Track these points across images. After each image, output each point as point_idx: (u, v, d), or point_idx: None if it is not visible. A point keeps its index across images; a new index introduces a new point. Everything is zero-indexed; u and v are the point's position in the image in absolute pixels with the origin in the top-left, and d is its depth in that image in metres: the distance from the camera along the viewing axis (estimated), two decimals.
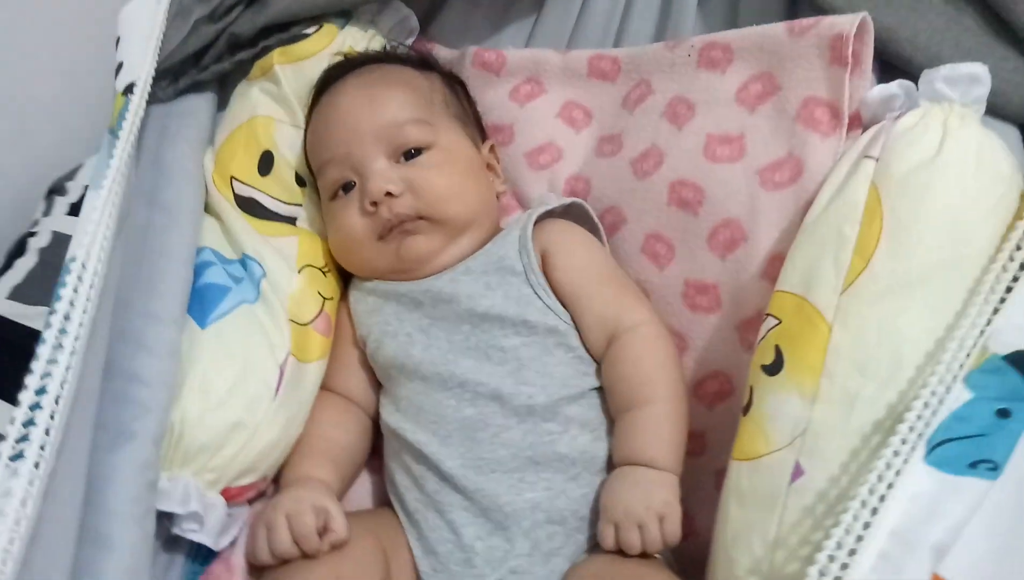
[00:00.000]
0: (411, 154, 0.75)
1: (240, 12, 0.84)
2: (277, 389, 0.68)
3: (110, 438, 0.56)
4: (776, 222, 0.70)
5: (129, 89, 0.69)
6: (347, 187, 0.76)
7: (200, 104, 0.85)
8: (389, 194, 0.73)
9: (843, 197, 0.62)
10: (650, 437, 0.66)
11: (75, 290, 0.52)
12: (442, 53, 0.95)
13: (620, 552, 0.63)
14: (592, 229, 0.80)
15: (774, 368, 0.61)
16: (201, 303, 0.68)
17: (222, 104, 0.90)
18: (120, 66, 0.73)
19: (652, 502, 0.62)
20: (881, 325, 0.57)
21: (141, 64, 0.70)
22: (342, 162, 0.75)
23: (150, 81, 0.68)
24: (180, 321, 0.65)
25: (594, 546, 0.66)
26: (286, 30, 0.86)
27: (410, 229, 0.74)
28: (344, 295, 0.81)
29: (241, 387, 0.65)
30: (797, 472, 0.55)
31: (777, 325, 0.63)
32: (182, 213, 0.72)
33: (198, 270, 0.71)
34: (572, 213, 0.80)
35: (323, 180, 0.78)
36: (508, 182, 0.87)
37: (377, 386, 0.78)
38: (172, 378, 0.61)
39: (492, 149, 0.85)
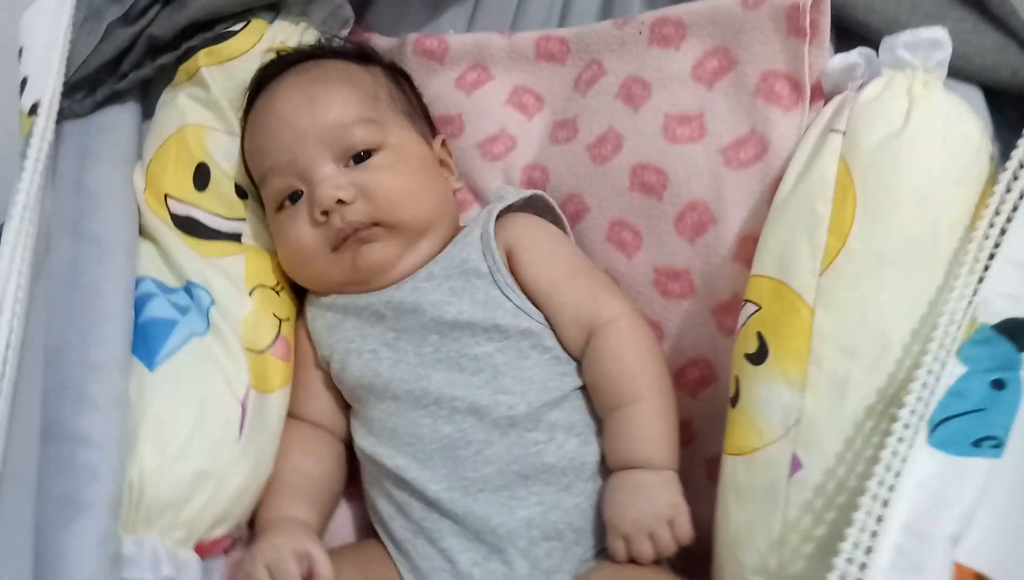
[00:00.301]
0: (360, 157, 0.70)
1: (158, 11, 0.78)
2: (241, 428, 0.63)
3: (59, 512, 0.50)
4: (743, 202, 0.68)
5: (35, 109, 0.63)
6: (294, 197, 0.71)
7: (122, 117, 0.79)
8: (340, 202, 0.68)
9: (812, 174, 0.61)
10: (643, 436, 0.64)
11: None
12: (380, 43, 0.90)
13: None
14: (555, 221, 0.77)
15: (758, 357, 0.60)
16: (146, 342, 0.62)
17: (146, 115, 0.84)
18: (24, 82, 0.66)
19: (658, 507, 0.60)
20: (864, 305, 0.56)
21: (46, 77, 0.63)
22: (286, 170, 0.70)
23: (58, 96, 0.62)
24: (125, 366, 0.59)
25: (595, 555, 0.64)
26: (210, 28, 0.80)
27: (365, 237, 0.69)
28: (300, 313, 0.76)
29: (201, 431, 0.60)
30: (796, 465, 0.54)
31: (756, 311, 0.61)
32: (114, 242, 0.66)
33: (139, 304, 0.65)
34: (533, 205, 0.77)
35: (267, 190, 0.72)
36: (462, 177, 0.84)
37: (346, 408, 0.74)
38: (123, 433, 0.56)
39: (444, 144, 0.81)
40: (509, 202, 0.73)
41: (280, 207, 0.72)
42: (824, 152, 0.60)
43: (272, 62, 0.78)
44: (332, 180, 0.69)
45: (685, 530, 0.61)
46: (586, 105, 0.80)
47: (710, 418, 0.72)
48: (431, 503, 0.64)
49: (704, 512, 0.71)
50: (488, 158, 0.85)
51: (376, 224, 0.69)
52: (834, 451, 0.52)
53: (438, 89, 0.87)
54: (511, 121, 0.85)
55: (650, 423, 0.64)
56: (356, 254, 0.69)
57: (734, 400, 0.61)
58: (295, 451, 0.69)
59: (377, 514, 0.69)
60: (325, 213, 0.68)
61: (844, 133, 0.60)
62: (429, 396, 0.66)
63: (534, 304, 0.69)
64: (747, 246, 0.68)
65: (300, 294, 0.78)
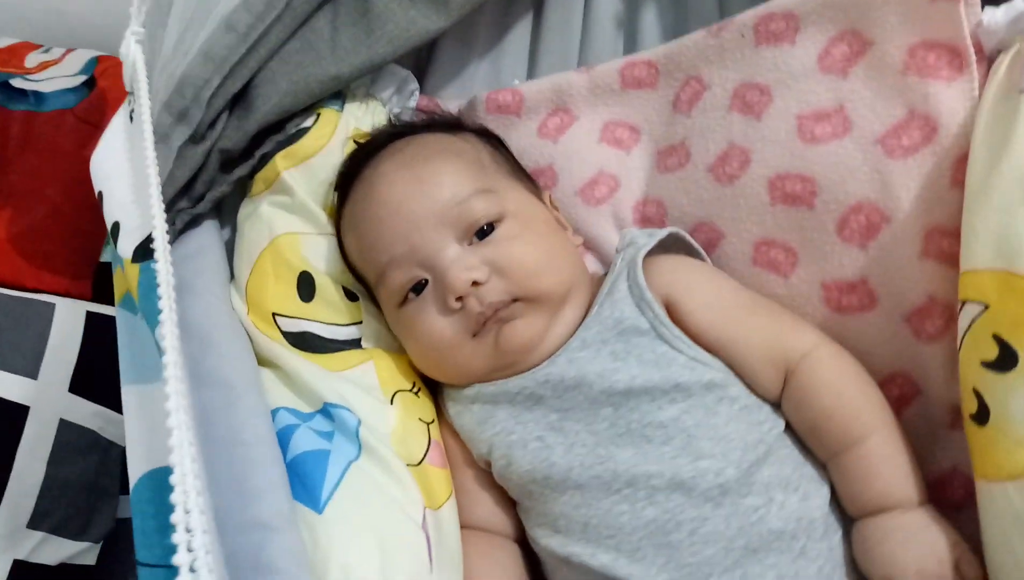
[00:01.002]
0: (483, 232, 0.64)
1: (225, 123, 0.73)
2: (430, 557, 0.55)
3: None
4: (920, 192, 0.61)
5: (141, 254, 0.56)
6: (417, 288, 0.64)
7: (205, 241, 0.73)
8: (475, 284, 0.61)
9: (1012, 146, 0.53)
10: (891, 474, 0.57)
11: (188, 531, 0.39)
12: (448, 108, 0.85)
13: None
14: (693, 256, 0.70)
15: (1005, 362, 0.51)
16: (304, 481, 0.55)
17: (225, 233, 0.78)
18: (116, 228, 0.60)
19: (939, 550, 0.53)
20: None
21: (145, 217, 0.57)
22: (406, 261, 0.64)
23: (165, 237, 0.55)
24: (293, 516, 0.52)
25: None
26: (280, 130, 0.75)
27: (505, 316, 0.62)
28: (439, 412, 0.69)
29: (392, 569, 0.53)
30: None
31: (984, 311, 0.53)
32: (240, 379, 0.59)
33: (281, 440, 0.58)
34: (664, 246, 0.70)
35: (385, 288, 0.66)
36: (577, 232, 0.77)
37: (511, 504, 0.66)
38: None
39: (551, 200, 0.74)
40: (650, 246, 0.66)
41: (403, 301, 0.65)
42: (1019, 118, 0.53)
43: (359, 149, 0.72)
44: (461, 262, 0.62)
45: (974, 570, 0.53)
46: (694, 125, 0.74)
47: (920, 438, 0.64)
48: None
49: None
50: (592, 204, 0.78)
51: (516, 300, 0.62)
52: None
53: (521, 143, 0.81)
54: (608, 159, 0.79)
55: (893, 457, 0.57)
56: (499, 336, 0.62)
57: (980, 417, 0.53)
58: (478, 569, 0.61)
59: None
60: (459, 298, 0.62)
61: None
62: (620, 478, 0.58)
63: (709, 352, 0.61)
64: (936, 240, 0.60)
65: (432, 389, 0.71)
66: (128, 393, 0.56)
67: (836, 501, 0.60)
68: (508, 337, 0.62)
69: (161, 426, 0.52)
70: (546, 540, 0.61)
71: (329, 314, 0.68)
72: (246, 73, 0.72)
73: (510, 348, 0.62)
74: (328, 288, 0.69)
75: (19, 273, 0.89)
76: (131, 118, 0.67)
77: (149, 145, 0.57)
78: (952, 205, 0.59)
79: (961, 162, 0.59)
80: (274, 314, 0.67)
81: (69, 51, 1.14)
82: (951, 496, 0.63)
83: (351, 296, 0.70)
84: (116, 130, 0.67)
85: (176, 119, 0.70)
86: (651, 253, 0.67)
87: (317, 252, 0.71)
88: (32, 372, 0.81)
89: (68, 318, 0.86)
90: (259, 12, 0.70)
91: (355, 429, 0.59)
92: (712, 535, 0.55)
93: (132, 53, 0.67)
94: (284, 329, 0.67)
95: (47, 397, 0.81)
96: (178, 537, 0.38)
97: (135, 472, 0.51)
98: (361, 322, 0.69)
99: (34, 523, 0.79)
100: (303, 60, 0.74)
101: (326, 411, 0.61)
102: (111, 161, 0.65)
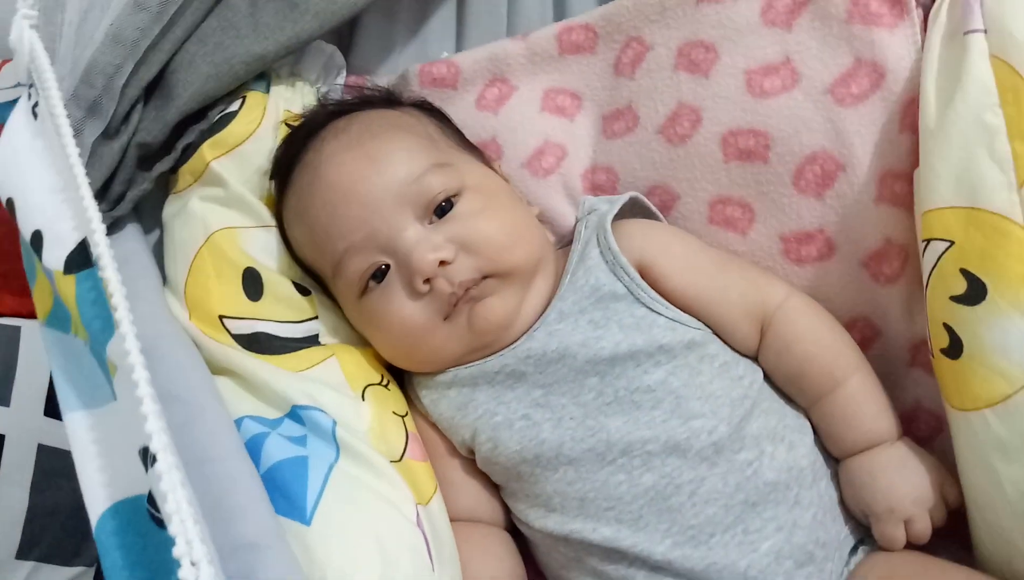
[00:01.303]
0: (442, 208, 0.61)
1: (141, 114, 0.66)
2: (430, 554, 0.52)
3: None
4: (872, 138, 0.62)
5: (75, 265, 0.50)
6: (377, 275, 0.61)
7: (131, 246, 0.67)
8: (442, 263, 0.58)
9: (964, 86, 0.55)
10: (874, 411, 0.59)
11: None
12: (377, 84, 0.80)
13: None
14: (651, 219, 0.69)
15: (973, 296, 0.53)
16: (285, 493, 0.51)
17: (148, 233, 0.72)
18: (38, 237, 0.53)
19: (931, 478, 0.56)
20: None
21: (81, 219, 0.51)
22: (364, 247, 0.60)
23: (104, 236, 0.49)
24: (281, 532, 0.48)
25: (845, 564, 0.57)
26: (203, 118, 0.69)
27: (476, 295, 0.60)
28: (410, 403, 0.65)
29: (395, 573, 0.49)
30: None
31: (949, 247, 0.55)
32: (195, 392, 0.54)
33: (252, 451, 0.53)
34: (623, 212, 0.69)
35: (343, 278, 0.62)
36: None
37: (494, 490, 0.64)
38: None
39: (501, 171, 0.72)
40: (614, 212, 0.65)
41: (364, 290, 0.61)
42: (969, 58, 0.55)
43: (294, 133, 0.67)
44: (426, 242, 0.59)
45: (954, 492, 0.57)
46: (639, 87, 0.73)
47: (882, 378, 0.66)
48: (659, 567, 0.55)
49: None
50: (540, 175, 0.76)
51: (486, 277, 0.60)
52: None
53: (459, 116, 0.78)
54: (553, 128, 0.77)
55: (873, 395, 0.60)
56: (472, 316, 0.60)
57: (952, 351, 0.55)
58: (471, 560, 0.59)
59: None
60: (427, 281, 0.58)
61: (986, 31, 0.54)
62: (614, 448, 0.57)
63: (685, 312, 0.61)
64: (889, 184, 0.62)
65: (400, 379, 0.67)
66: (74, 420, 0.50)
67: (815, 446, 0.62)
68: (482, 316, 0.60)
69: (122, 452, 0.47)
70: (541, 521, 0.60)
71: (281, 311, 0.64)
72: (162, 57, 0.66)
73: (485, 327, 0.60)
74: (277, 283, 0.64)
75: None
76: (35, 114, 0.60)
77: (68, 141, 0.51)
78: (902, 149, 0.61)
79: (909, 106, 0.60)
80: (221, 317, 0.62)
81: (4, 62, 1.03)
82: (916, 431, 0.65)
83: (302, 290, 0.66)
84: (17, 129, 0.59)
85: (86, 112, 0.63)
86: (613, 219, 0.66)
87: (260, 246, 0.66)
88: (4, 399, 0.79)
89: (35, 340, 0.82)
90: None
91: (331, 430, 0.55)
92: (712, 494, 0.55)
93: (27, 40, 0.60)
94: (234, 331, 0.62)
95: (22, 423, 0.78)
96: (184, 573, 0.33)
97: (96, 507, 0.46)
98: (317, 317, 0.65)
99: (23, 553, 0.77)
100: (223, 40, 0.68)
101: (295, 414, 0.57)
102: (17, 164, 0.57)
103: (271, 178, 0.68)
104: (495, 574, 0.59)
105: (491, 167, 0.69)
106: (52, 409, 0.80)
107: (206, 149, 0.67)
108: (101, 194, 0.66)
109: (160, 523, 0.45)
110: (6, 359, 0.81)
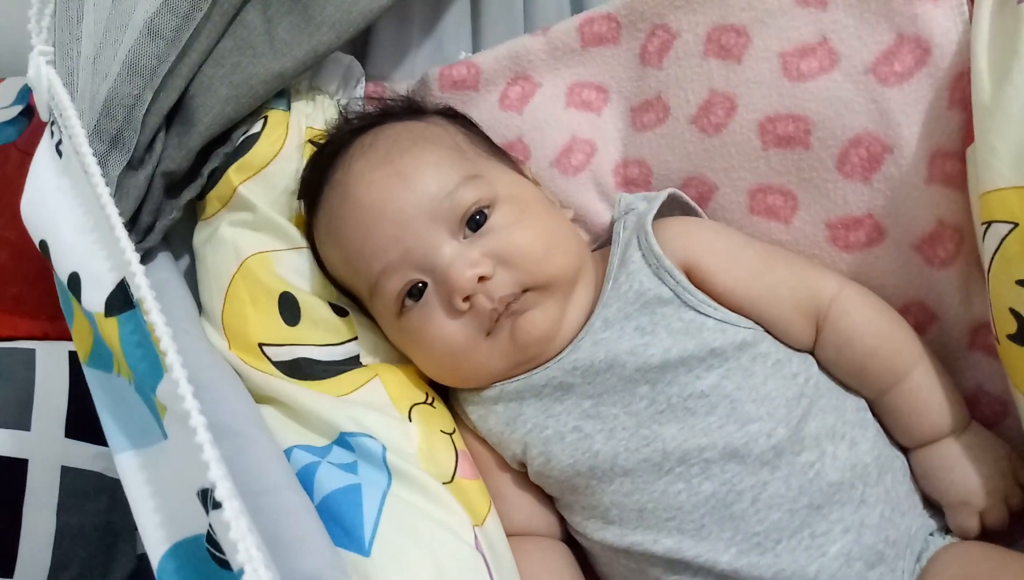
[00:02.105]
0: (476, 222, 0.59)
1: (164, 142, 0.65)
2: (491, 576, 0.51)
3: None
4: (919, 117, 0.59)
5: (121, 303, 0.49)
6: (413, 293, 0.60)
7: (165, 275, 0.66)
8: (481, 279, 0.57)
9: (1021, 57, 0.52)
10: (941, 401, 0.58)
11: None
12: (396, 91, 0.78)
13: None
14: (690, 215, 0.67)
15: None
16: (341, 523, 0.50)
17: (178, 261, 0.71)
18: (75, 280, 0.52)
19: (1003, 467, 0.55)
20: None
21: (118, 260, 0.50)
22: (400, 266, 0.59)
23: (143, 278, 0.48)
24: (342, 564, 0.47)
25: (916, 560, 0.56)
26: (225, 141, 0.68)
27: (517, 309, 0.58)
28: (457, 419, 0.64)
29: None
30: None
31: (1013, 229, 0.52)
32: (243, 424, 0.53)
33: (304, 482, 0.53)
34: (663, 208, 0.66)
35: (379, 298, 0.61)
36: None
37: (549, 501, 0.63)
38: None
39: (532, 175, 0.70)
40: (654, 211, 0.63)
41: (401, 310, 0.60)
42: (1023, 28, 0.52)
43: (320, 152, 0.66)
44: (462, 258, 0.57)
45: None
46: (667, 77, 0.70)
47: (942, 362, 0.64)
48: (725, 576, 0.54)
49: None
50: (570, 173, 0.74)
51: (526, 290, 0.58)
52: None
53: (483, 118, 0.76)
54: (579, 124, 0.75)
55: (939, 385, 0.58)
56: (514, 330, 0.58)
57: (1022, 336, 0.53)
58: (531, 576, 0.58)
59: None
60: (467, 298, 0.57)
61: None
62: (671, 457, 0.55)
63: (734, 311, 0.59)
64: (939, 164, 0.59)
65: (445, 395, 0.66)
66: (125, 460, 0.49)
67: (878, 440, 0.60)
68: (525, 330, 0.58)
69: (177, 492, 0.46)
70: (600, 534, 0.58)
71: (320, 335, 0.63)
72: (179, 83, 0.64)
73: (528, 341, 0.58)
74: (314, 307, 0.63)
75: None
76: (59, 152, 0.59)
77: (98, 181, 0.50)
78: (952, 126, 0.59)
79: (957, 81, 0.58)
80: (260, 345, 0.61)
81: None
82: (979, 416, 0.63)
83: (339, 311, 0.65)
84: (43, 168, 0.58)
85: (109, 145, 0.62)
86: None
87: (293, 268, 0.64)
88: (24, 424, 0.78)
89: (51, 362, 0.81)
90: (185, 12, 0.63)
91: (382, 455, 0.54)
92: (775, 499, 0.54)
93: (44, 76, 0.59)
94: (274, 359, 0.61)
95: (44, 447, 0.77)
96: None
97: (156, 549, 0.46)
98: (356, 338, 0.64)
99: (54, 575, 0.76)
100: (240, 60, 0.67)
101: (343, 441, 0.56)
102: (47, 205, 0.57)
103: (299, 198, 0.67)
104: None
105: (521, 172, 0.68)
106: (73, 431, 0.80)
107: (232, 173, 0.66)
108: (130, 226, 0.65)
109: (221, 563, 0.44)
110: (23, 383, 0.80)
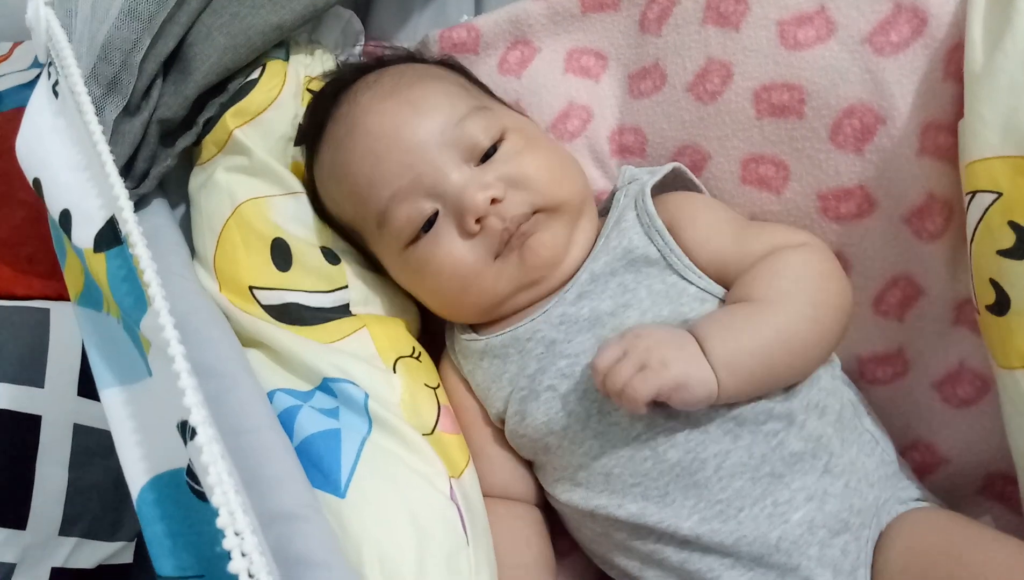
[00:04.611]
0: (487, 152, 0.60)
1: (161, 89, 0.65)
2: (464, 529, 0.52)
3: None
4: (913, 88, 0.59)
5: (110, 238, 0.50)
6: (427, 226, 0.60)
7: (159, 221, 0.66)
8: (494, 201, 0.58)
9: (1015, 25, 0.52)
10: (729, 322, 0.54)
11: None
12: (398, 51, 0.78)
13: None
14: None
15: (1023, 248, 0.51)
16: (319, 466, 0.51)
17: (175, 206, 0.72)
18: (66, 216, 0.53)
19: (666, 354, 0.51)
20: None
21: (108, 196, 0.50)
22: (412, 192, 0.59)
23: (132, 214, 0.48)
24: (318, 505, 0.48)
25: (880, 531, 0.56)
26: (221, 91, 0.68)
27: (527, 230, 0.59)
28: (450, 372, 0.65)
29: (431, 550, 0.49)
30: None
31: (997, 199, 0.52)
32: (228, 365, 0.54)
33: (285, 424, 0.53)
34: (664, 184, 0.66)
35: (389, 227, 0.60)
36: None
37: (528, 466, 0.64)
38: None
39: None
40: (655, 180, 0.63)
41: (414, 240, 0.60)
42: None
43: (324, 90, 0.67)
44: (474, 182, 0.58)
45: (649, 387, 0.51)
46: (666, 44, 0.70)
47: (924, 339, 0.65)
48: (688, 542, 0.54)
49: (954, 441, 0.65)
50: (566, 138, 0.74)
51: (536, 212, 0.59)
52: None
53: (482, 81, 0.76)
54: (577, 90, 0.75)
55: (759, 324, 0.54)
56: (523, 252, 0.59)
57: (1000, 307, 0.53)
58: (499, 545, 0.58)
59: (618, 570, 0.59)
60: (479, 221, 0.58)
61: None
62: (638, 422, 0.56)
63: (714, 280, 0.59)
64: (932, 136, 0.59)
65: (431, 351, 0.67)
66: (111, 396, 0.50)
67: (854, 413, 0.60)
68: (534, 251, 0.59)
69: (159, 427, 0.47)
70: (567, 495, 0.59)
71: (311, 281, 0.63)
72: (178, 31, 0.65)
73: (538, 262, 0.59)
74: (306, 253, 0.64)
75: (7, 282, 0.85)
76: (55, 92, 0.59)
77: (91, 118, 0.51)
78: (946, 99, 0.59)
79: (952, 52, 0.58)
80: (251, 287, 0.62)
81: (16, 45, 1.03)
82: (961, 393, 0.64)
83: (332, 259, 0.65)
84: (40, 108, 0.59)
85: (106, 89, 0.62)
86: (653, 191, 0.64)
87: (287, 214, 0.65)
88: (38, 381, 0.80)
89: (64, 321, 0.84)
90: None
91: (363, 403, 0.55)
92: (737, 467, 0.54)
93: (44, 18, 0.59)
94: (264, 302, 0.62)
95: (57, 404, 0.81)
96: (229, 543, 0.33)
97: (136, 481, 0.47)
98: (347, 286, 0.64)
99: (65, 530, 0.79)
100: (239, 10, 0.67)
101: (326, 387, 0.57)
102: (42, 144, 0.57)
103: (297, 143, 0.67)
104: (523, 560, 0.59)
105: (524, 115, 0.69)
106: (85, 389, 0.82)
107: (229, 117, 0.66)
108: (125, 172, 0.66)
109: (200, 495, 0.45)
110: (37, 341, 0.83)
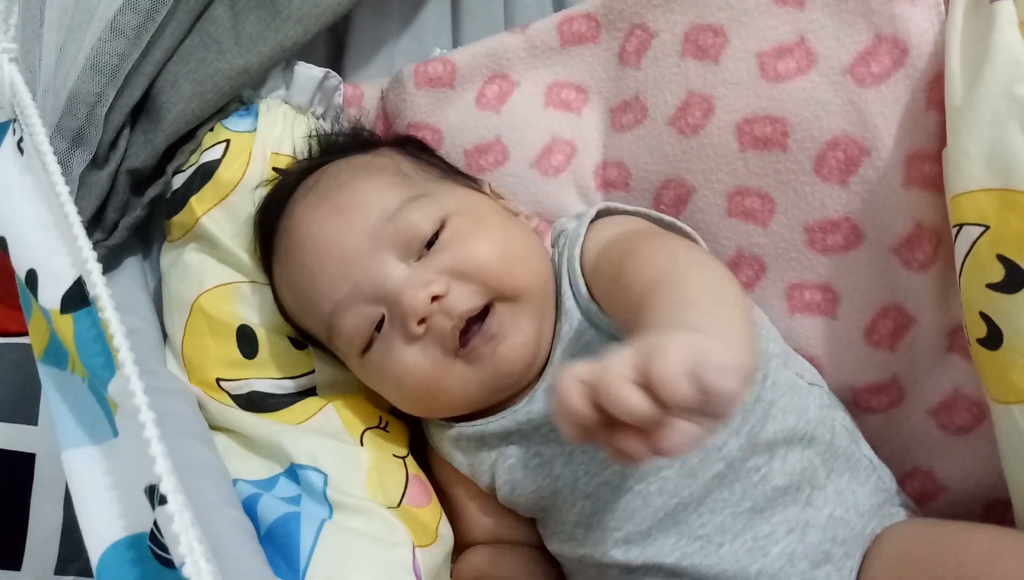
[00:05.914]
0: (431, 242, 0.56)
1: (129, 139, 0.64)
2: None
3: None
4: (897, 119, 0.59)
5: (77, 300, 0.48)
6: (380, 328, 0.57)
7: (131, 296, 0.66)
8: (435, 299, 0.53)
9: (992, 58, 0.51)
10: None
11: None
12: (370, 90, 0.77)
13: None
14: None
15: (1012, 283, 0.50)
16: (282, 552, 0.50)
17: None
18: (32, 276, 0.51)
19: None
20: None
21: (76, 258, 0.49)
22: (352, 302, 0.56)
23: (101, 280, 0.47)
24: None
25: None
26: (191, 138, 0.67)
27: (495, 333, 0.55)
28: (426, 444, 0.64)
29: None
30: None
31: (984, 232, 0.52)
32: (196, 439, 0.53)
33: (248, 511, 0.52)
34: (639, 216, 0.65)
35: (340, 338, 0.58)
36: (527, 204, 0.71)
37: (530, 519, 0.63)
38: None
39: (492, 189, 0.67)
40: (581, 238, 0.60)
41: (368, 347, 0.57)
42: (995, 28, 0.51)
43: (270, 197, 0.64)
44: (413, 280, 0.54)
45: None
46: (646, 77, 0.69)
47: (918, 368, 0.64)
48: (674, 573, 0.55)
49: (953, 469, 0.64)
50: (550, 174, 0.73)
51: (490, 303, 0.55)
52: None
53: (460, 117, 0.74)
54: (559, 124, 0.74)
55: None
56: (494, 358, 0.55)
57: (992, 341, 0.52)
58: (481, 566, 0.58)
59: None
60: (422, 322, 0.54)
61: None
62: (630, 478, 0.55)
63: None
64: (917, 166, 0.59)
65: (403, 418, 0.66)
66: (73, 456, 0.49)
67: (851, 438, 0.60)
68: (505, 357, 0.55)
69: (126, 490, 0.45)
70: (558, 546, 0.59)
71: (276, 369, 0.63)
72: (144, 80, 0.64)
73: (510, 369, 0.56)
74: (272, 340, 0.64)
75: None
76: (20, 149, 0.58)
77: (58, 179, 0.49)
78: (929, 128, 0.58)
79: (934, 82, 0.57)
80: (218, 379, 0.62)
81: None
82: (958, 419, 0.63)
83: (298, 344, 0.64)
84: (5, 165, 0.57)
85: (72, 143, 0.61)
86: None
87: (252, 301, 0.64)
88: (31, 419, 0.80)
89: None
90: (147, 10, 0.62)
91: (321, 491, 0.54)
92: (717, 503, 0.54)
93: (7, 74, 0.57)
94: (232, 392, 0.62)
95: (51, 441, 0.77)
96: None
97: (99, 544, 0.45)
98: (313, 371, 0.64)
99: (61, 568, 0.78)
100: (205, 56, 0.66)
101: (292, 472, 0.56)
102: (9, 201, 0.55)
103: (256, 249, 0.66)
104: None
105: (477, 189, 0.65)
106: None
107: (195, 203, 0.65)
108: (95, 223, 0.65)
109: (165, 562, 0.44)
110: (30, 379, 0.82)
